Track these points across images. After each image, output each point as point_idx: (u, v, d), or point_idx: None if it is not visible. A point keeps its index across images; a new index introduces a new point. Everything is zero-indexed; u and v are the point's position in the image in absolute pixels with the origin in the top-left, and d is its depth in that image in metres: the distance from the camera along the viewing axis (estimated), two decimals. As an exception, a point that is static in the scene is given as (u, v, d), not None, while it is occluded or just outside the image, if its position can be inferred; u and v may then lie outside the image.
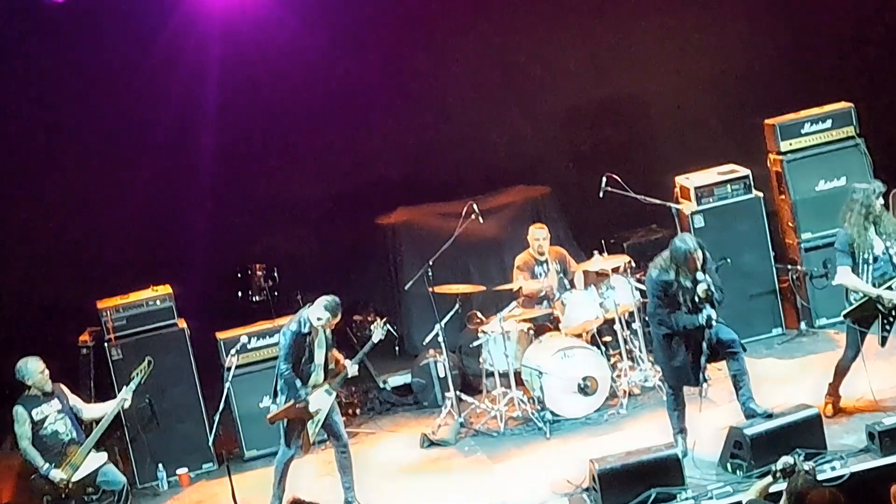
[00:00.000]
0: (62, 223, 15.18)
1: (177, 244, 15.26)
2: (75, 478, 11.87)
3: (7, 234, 15.03)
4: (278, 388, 11.86)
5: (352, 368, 12.06)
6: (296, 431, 11.88)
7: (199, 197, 15.39)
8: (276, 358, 13.49)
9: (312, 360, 11.83)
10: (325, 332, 11.87)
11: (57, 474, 11.79)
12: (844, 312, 12.04)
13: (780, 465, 9.97)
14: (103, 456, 12.10)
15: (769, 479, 10.04)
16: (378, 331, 12.26)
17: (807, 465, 9.94)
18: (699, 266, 11.50)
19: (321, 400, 11.87)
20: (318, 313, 11.72)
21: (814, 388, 12.62)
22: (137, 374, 12.26)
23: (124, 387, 12.19)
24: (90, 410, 12.26)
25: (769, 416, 11.47)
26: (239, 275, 15.55)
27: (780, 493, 9.65)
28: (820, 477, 10.67)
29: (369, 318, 15.88)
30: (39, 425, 11.91)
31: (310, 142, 15.70)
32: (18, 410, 11.93)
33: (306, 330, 11.76)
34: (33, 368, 11.96)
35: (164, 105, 15.06)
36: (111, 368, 13.39)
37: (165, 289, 13.77)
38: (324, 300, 11.77)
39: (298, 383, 11.75)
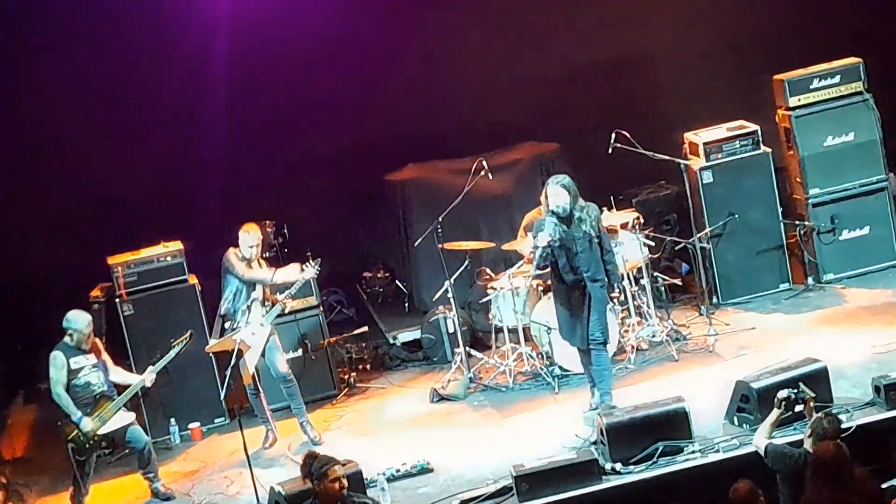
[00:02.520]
0: (75, 179, 15.19)
1: (188, 200, 15.30)
2: (101, 431, 11.94)
3: (22, 190, 15.07)
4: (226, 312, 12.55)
5: (284, 301, 12.56)
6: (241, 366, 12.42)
7: (209, 153, 15.41)
8: (285, 314, 13.67)
9: (251, 292, 12.43)
10: (259, 264, 12.51)
11: (87, 423, 11.85)
12: None
13: (783, 395, 10.11)
14: (131, 416, 12.17)
15: (775, 411, 10.15)
16: (309, 269, 12.60)
17: (807, 393, 10.10)
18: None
19: (253, 331, 12.41)
20: (247, 241, 12.46)
21: (820, 342, 12.69)
22: (178, 345, 12.24)
23: (163, 356, 12.23)
24: (116, 374, 12.28)
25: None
26: (249, 231, 15.60)
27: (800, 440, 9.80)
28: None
29: (379, 275, 15.99)
30: (74, 374, 11.94)
31: (320, 98, 15.68)
32: (57, 355, 11.95)
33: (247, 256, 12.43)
34: (83, 323, 12.00)
35: (175, 64, 15.07)
36: (122, 324, 13.46)
37: (176, 245, 13.81)
38: (245, 227, 12.55)
39: (239, 315, 12.37)
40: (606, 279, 12.02)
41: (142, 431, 12.23)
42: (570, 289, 11.98)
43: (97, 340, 12.25)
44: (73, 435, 11.89)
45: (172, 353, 12.22)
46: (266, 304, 12.52)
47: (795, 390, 10.30)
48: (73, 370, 11.93)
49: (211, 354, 13.37)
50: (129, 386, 12.18)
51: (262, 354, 12.53)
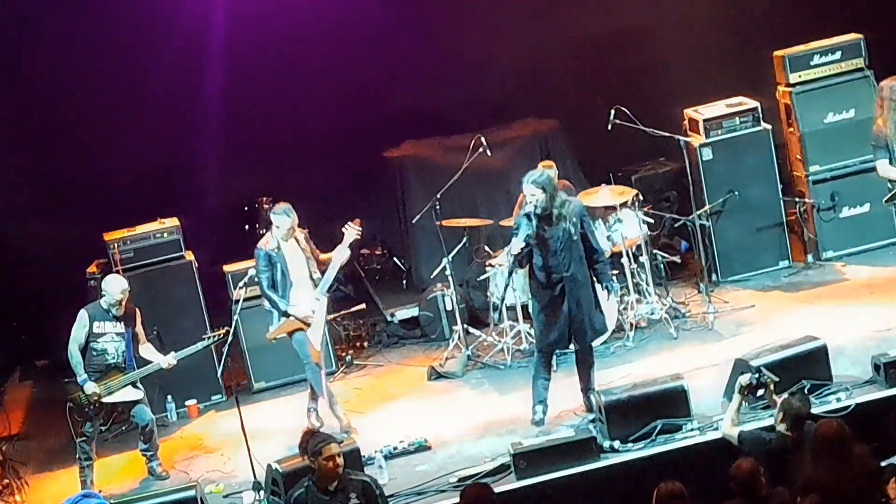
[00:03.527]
0: (71, 155, 15.16)
1: (184, 177, 15.28)
2: (106, 399, 11.92)
3: (18, 166, 15.03)
4: (268, 308, 12.25)
5: (338, 254, 12.13)
6: (302, 344, 12.13)
7: (206, 130, 15.38)
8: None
9: (286, 275, 12.08)
10: (298, 243, 12.14)
11: (90, 387, 11.83)
12: (885, 199, 12.70)
13: (745, 380, 10.11)
14: (140, 393, 12.14)
15: (737, 398, 10.15)
16: (350, 230, 12.25)
17: (769, 377, 10.10)
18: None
19: (310, 306, 12.09)
20: (275, 222, 12.06)
21: (820, 319, 12.67)
22: (209, 339, 12.22)
23: (177, 353, 12.21)
24: (144, 349, 12.26)
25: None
26: (246, 208, 15.60)
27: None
28: (825, 408, 10.80)
29: (377, 252, 15.96)
30: (95, 338, 11.91)
31: (317, 75, 15.63)
32: (83, 314, 11.94)
33: (273, 246, 12.06)
34: (116, 288, 11.95)
35: (173, 38, 15.05)
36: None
37: (173, 221, 13.80)
38: (275, 208, 12.15)
39: (276, 297, 12.04)
40: (595, 278, 11.67)
41: (147, 410, 12.17)
42: (547, 288, 11.52)
43: (136, 311, 12.17)
44: (74, 394, 11.87)
45: (201, 345, 12.20)
46: (314, 276, 12.24)
47: (757, 375, 10.29)
48: (94, 333, 11.92)
49: (208, 331, 13.35)
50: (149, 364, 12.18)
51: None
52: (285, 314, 12.08)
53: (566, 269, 11.44)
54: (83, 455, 12.00)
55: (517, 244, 11.33)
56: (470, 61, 16.02)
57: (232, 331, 11.98)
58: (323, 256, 12.27)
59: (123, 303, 11.99)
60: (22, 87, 14.96)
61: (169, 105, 15.22)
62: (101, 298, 12.04)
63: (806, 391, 10.78)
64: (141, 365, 12.15)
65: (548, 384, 11.75)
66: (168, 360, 12.18)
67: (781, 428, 9.68)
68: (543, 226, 11.40)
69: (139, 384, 12.18)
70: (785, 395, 9.94)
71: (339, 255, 12.15)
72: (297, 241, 12.19)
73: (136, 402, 12.08)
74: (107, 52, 14.97)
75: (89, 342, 11.92)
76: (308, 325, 12.08)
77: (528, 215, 11.38)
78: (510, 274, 11.70)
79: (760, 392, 10.37)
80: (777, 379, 10.35)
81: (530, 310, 12.01)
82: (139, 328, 12.20)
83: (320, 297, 12.15)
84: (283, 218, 12.08)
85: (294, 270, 12.15)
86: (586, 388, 11.79)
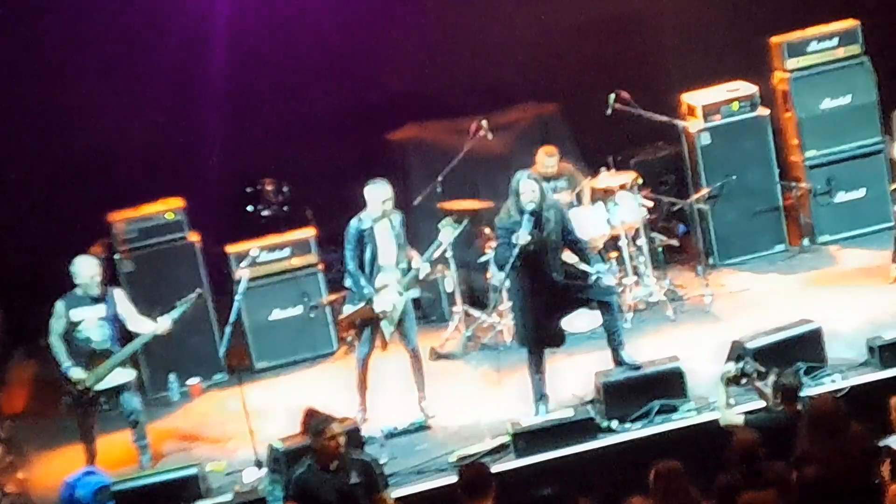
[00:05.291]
0: (74, 136, 15.12)
1: (188, 158, 15.23)
2: (98, 387, 11.74)
3: (22, 146, 15.03)
4: (349, 286, 11.90)
5: (423, 267, 11.92)
6: (369, 331, 11.91)
7: (210, 111, 15.36)
8: (286, 271, 13.72)
9: (376, 258, 11.80)
10: (391, 226, 11.84)
11: (76, 373, 11.64)
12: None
13: (732, 372, 10.18)
14: (132, 373, 11.99)
15: (723, 389, 10.21)
16: (445, 228, 12.11)
17: (750, 367, 10.18)
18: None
19: (391, 299, 11.83)
20: (373, 194, 11.72)
21: (815, 303, 12.77)
22: (183, 304, 12.02)
23: (166, 315, 11.92)
24: (135, 323, 12.00)
25: (637, 368, 11.50)
26: (249, 189, 15.62)
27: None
28: (820, 390, 10.89)
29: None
30: (74, 326, 11.76)
31: (320, 56, 15.58)
32: (58, 305, 11.79)
33: (366, 225, 11.76)
34: (83, 270, 11.81)
35: (177, 19, 14.98)
36: (122, 281, 13.38)
37: (177, 202, 13.83)
38: (368, 185, 11.80)
39: (363, 280, 11.73)
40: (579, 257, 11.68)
41: (134, 398, 11.96)
42: (539, 290, 11.47)
43: (117, 291, 12.04)
44: (67, 387, 11.75)
45: (176, 314, 11.95)
46: (401, 265, 11.96)
47: (741, 365, 10.37)
48: (72, 322, 11.76)
49: (210, 309, 13.44)
50: (131, 336, 12.02)
51: (400, 323, 11.98)
52: (368, 300, 11.81)
53: (553, 270, 11.46)
54: (90, 449, 11.96)
55: (524, 235, 11.19)
56: (472, 45, 15.98)
57: (235, 310, 12.04)
58: (409, 251, 12.04)
59: (98, 282, 11.84)
60: (25, 66, 14.89)
61: (172, 86, 15.14)
62: (77, 287, 11.85)
63: (800, 372, 10.86)
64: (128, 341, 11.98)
65: (544, 377, 11.74)
66: (160, 326, 11.88)
67: (780, 407, 9.78)
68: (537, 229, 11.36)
69: (130, 365, 12.03)
70: (772, 376, 10.00)
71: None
72: (391, 223, 11.87)
73: (124, 389, 11.86)
74: (110, 32, 14.90)
75: (71, 332, 11.76)
76: (381, 318, 11.84)
77: (530, 212, 11.27)
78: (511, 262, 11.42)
79: (744, 381, 10.42)
80: (762, 369, 10.39)
81: (513, 310, 12.00)
82: (127, 307, 11.98)
83: (403, 293, 11.91)
84: (379, 187, 11.71)
85: (384, 255, 11.85)
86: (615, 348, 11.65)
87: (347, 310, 11.98)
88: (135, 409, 11.95)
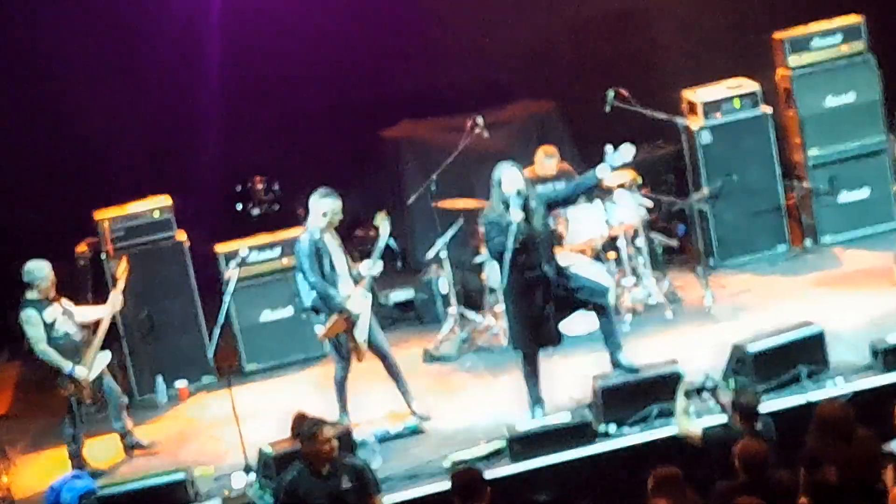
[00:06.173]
0: (62, 132, 15.11)
1: (178, 156, 15.24)
2: (93, 377, 11.78)
3: (8, 143, 14.93)
4: (314, 303, 11.66)
5: (376, 266, 11.77)
6: (343, 344, 11.73)
7: (200, 108, 15.34)
8: (277, 271, 13.59)
9: (334, 268, 11.64)
10: (333, 237, 11.69)
11: (81, 371, 11.68)
12: None
13: (689, 385, 10.06)
14: (108, 354, 11.97)
15: (681, 400, 10.04)
16: (383, 223, 11.96)
17: (711, 382, 10.05)
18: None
19: (360, 304, 11.69)
20: (320, 207, 11.56)
21: (818, 304, 12.63)
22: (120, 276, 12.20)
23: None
24: (82, 314, 12.04)
25: (634, 372, 11.31)
26: (239, 187, 15.56)
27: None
28: (823, 394, 10.75)
29: (371, 233, 15.84)
30: (51, 328, 11.73)
31: (314, 54, 15.59)
32: (30, 313, 11.68)
33: (318, 236, 11.60)
34: (46, 272, 11.77)
35: (168, 17, 15.02)
36: (109, 280, 13.23)
37: (165, 200, 13.72)
38: (318, 192, 11.66)
39: (332, 291, 11.54)
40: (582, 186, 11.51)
41: (111, 381, 12.04)
42: (531, 287, 11.25)
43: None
44: (71, 388, 11.71)
45: (120, 286, 12.07)
46: (353, 271, 11.78)
47: (702, 380, 10.22)
48: (48, 324, 11.71)
49: (199, 311, 13.30)
50: (99, 321, 11.98)
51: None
52: (340, 310, 11.56)
53: (543, 263, 11.28)
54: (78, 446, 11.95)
55: (516, 212, 11.02)
56: (468, 42, 16.00)
57: (224, 311, 11.86)
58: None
59: (53, 283, 11.78)
60: (13, 63, 14.86)
61: (163, 83, 15.21)
62: (30, 292, 11.73)
63: (758, 390, 10.57)
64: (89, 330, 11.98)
65: (539, 380, 11.59)
66: (112, 303, 11.99)
67: (733, 421, 9.64)
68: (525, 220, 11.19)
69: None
70: (731, 392, 9.88)
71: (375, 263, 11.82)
72: (334, 232, 11.74)
73: (102, 374, 11.90)
74: (100, 29, 14.94)
75: (51, 335, 11.70)
76: (354, 324, 11.67)
77: (517, 192, 11.13)
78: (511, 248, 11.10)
79: (706, 395, 10.28)
80: (721, 384, 10.27)
81: (505, 312, 11.80)
82: (65, 301, 11.96)
83: (369, 295, 11.77)
84: (329, 200, 11.58)
85: (338, 263, 11.71)
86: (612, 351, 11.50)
87: (321, 329, 11.71)
88: (115, 390, 12.06)
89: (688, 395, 10.15)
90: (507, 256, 11.00)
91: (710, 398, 10.27)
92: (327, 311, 11.58)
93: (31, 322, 11.71)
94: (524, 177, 11.33)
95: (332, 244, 11.70)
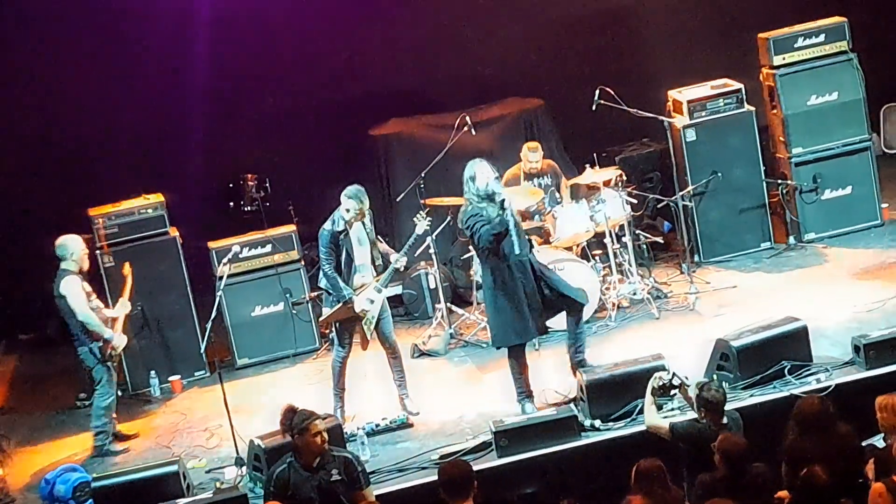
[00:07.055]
0: (56, 130, 15.12)
1: (170, 153, 15.22)
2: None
3: (2, 141, 14.97)
4: (325, 288, 11.84)
5: (400, 260, 11.90)
6: (348, 332, 11.87)
7: (192, 106, 15.31)
8: (267, 267, 13.65)
9: (352, 259, 11.75)
10: (364, 227, 11.80)
11: (121, 339, 12.02)
12: None
13: (656, 382, 10.13)
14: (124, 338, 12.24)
15: (650, 397, 10.15)
16: (421, 223, 12.13)
17: (678, 379, 10.12)
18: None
19: (370, 297, 11.78)
20: (345, 205, 11.68)
21: (801, 301, 12.71)
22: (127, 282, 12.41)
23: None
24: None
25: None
26: (231, 185, 15.54)
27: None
28: (805, 389, 10.85)
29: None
30: (89, 297, 11.93)
31: (304, 52, 15.60)
32: (74, 279, 11.85)
33: (340, 227, 11.69)
34: (81, 245, 12.00)
35: (159, 15, 14.95)
36: (103, 275, 13.33)
37: (158, 197, 13.75)
38: (346, 190, 11.74)
39: (340, 283, 11.68)
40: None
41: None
42: (516, 277, 11.36)
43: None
44: (111, 355, 11.98)
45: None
46: (377, 262, 11.92)
47: (669, 376, 10.30)
48: (87, 293, 11.94)
49: (192, 307, 13.39)
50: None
51: (378, 321, 11.88)
52: (345, 301, 11.72)
53: (526, 253, 11.43)
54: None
55: (505, 193, 11.24)
56: (456, 40, 16.00)
57: (216, 307, 11.96)
58: (382, 246, 12.05)
59: (87, 255, 12.04)
60: (5, 62, 14.88)
61: (155, 80, 15.17)
62: (68, 264, 11.90)
63: (723, 386, 10.66)
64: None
65: (527, 374, 11.66)
66: (123, 306, 12.30)
67: (705, 420, 9.73)
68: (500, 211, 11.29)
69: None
70: (694, 388, 9.94)
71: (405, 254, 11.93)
72: (363, 224, 11.83)
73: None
74: (91, 26, 14.88)
75: (90, 306, 11.92)
76: (361, 318, 11.80)
77: (495, 178, 11.34)
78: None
79: (673, 392, 10.38)
80: (686, 379, 10.30)
81: (488, 309, 11.81)
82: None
83: (382, 290, 11.87)
84: (354, 202, 11.68)
85: (359, 255, 11.83)
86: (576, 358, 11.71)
87: (326, 312, 11.91)
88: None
89: (654, 392, 10.26)
90: (512, 230, 11.13)
91: (677, 394, 10.38)
92: (334, 298, 11.74)
93: (76, 289, 11.84)
94: (493, 169, 11.42)
95: (360, 234, 11.78)
